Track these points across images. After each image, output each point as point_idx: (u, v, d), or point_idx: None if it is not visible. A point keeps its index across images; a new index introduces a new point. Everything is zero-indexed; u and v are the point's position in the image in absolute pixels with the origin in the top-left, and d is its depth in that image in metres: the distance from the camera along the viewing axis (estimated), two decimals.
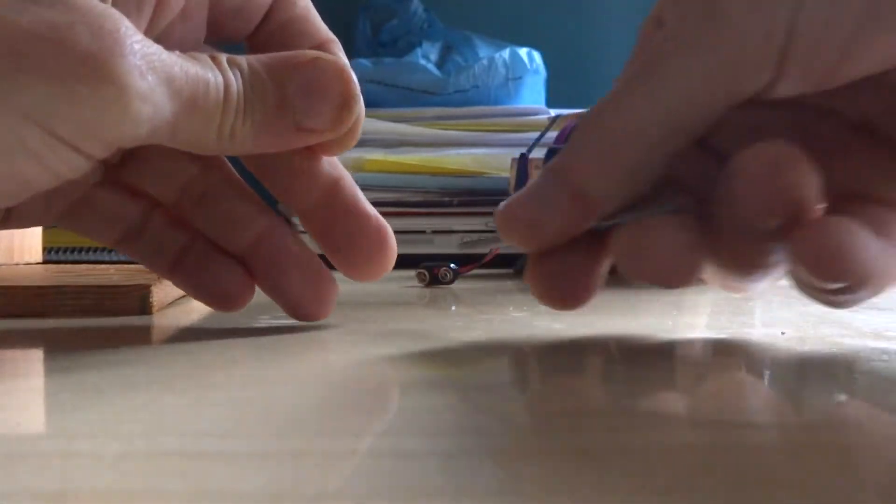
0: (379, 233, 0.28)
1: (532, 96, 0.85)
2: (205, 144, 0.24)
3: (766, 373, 0.23)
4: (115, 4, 0.22)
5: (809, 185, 0.20)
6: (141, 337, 0.29)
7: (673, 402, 0.19)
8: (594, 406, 0.18)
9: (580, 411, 0.18)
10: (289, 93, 0.24)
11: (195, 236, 0.29)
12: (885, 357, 0.24)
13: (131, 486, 0.13)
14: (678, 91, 0.21)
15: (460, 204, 0.68)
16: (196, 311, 0.35)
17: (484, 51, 0.87)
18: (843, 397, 0.20)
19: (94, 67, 0.20)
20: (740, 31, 0.20)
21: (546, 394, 0.20)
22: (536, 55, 0.86)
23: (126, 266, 0.44)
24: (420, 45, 0.87)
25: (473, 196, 0.69)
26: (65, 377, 0.21)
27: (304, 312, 0.28)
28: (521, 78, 0.83)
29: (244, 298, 0.29)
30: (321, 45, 0.27)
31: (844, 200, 0.22)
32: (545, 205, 0.22)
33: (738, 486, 0.13)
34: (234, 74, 0.23)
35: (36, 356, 0.25)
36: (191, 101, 0.22)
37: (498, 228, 0.23)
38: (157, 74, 0.21)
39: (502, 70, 0.82)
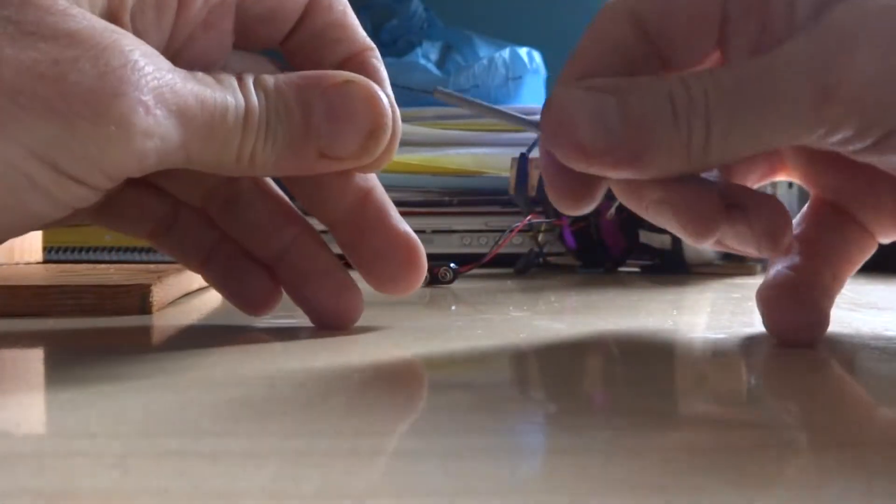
0: (408, 249, 0.27)
1: (532, 96, 0.85)
2: (223, 167, 0.23)
3: (766, 373, 0.23)
4: (134, 20, 0.22)
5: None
6: (141, 337, 0.29)
7: (673, 402, 0.19)
8: (594, 406, 0.18)
9: (580, 411, 0.18)
10: (314, 117, 0.23)
11: (224, 237, 0.29)
12: (885, 357, 0.24)
13: (131, 486, 0.13)
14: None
15: (460, 204, 0.68)
16: (196, 310, 0.35)
17: (484, 51, 0.87)
18: (842, 397, 0.20)
19: (95, 106, 0.20)
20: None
21: (546, 393, 0.20)
22: (536, 55, 0.86)
23: (126, 266, 0.44)
24: (420, 44, 0.87)
25: (473, 196, 0.69)
26: (65, 377, 0.21)
27: (328, 323, 0.28)
28: (521, 78, 0.83)
29: (270, 305, 0.29)
30: (357, 55, 0.26)
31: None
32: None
33: (738, 485, 0.13)
34: (258, 97, 0.23)
35: (36, 356, 0.25)
36: (206, 128, 0.22)
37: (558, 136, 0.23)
38: (167, 107, 0.21)
39: (502, 70, 0.82)
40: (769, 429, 0.16)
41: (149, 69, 0.20)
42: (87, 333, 0.29)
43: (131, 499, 0.12)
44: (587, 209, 0.25)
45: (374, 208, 0.27)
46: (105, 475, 0.13)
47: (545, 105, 0.23)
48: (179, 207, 0.29)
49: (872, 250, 0.27)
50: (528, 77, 0.84)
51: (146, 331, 0.30)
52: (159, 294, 0.34)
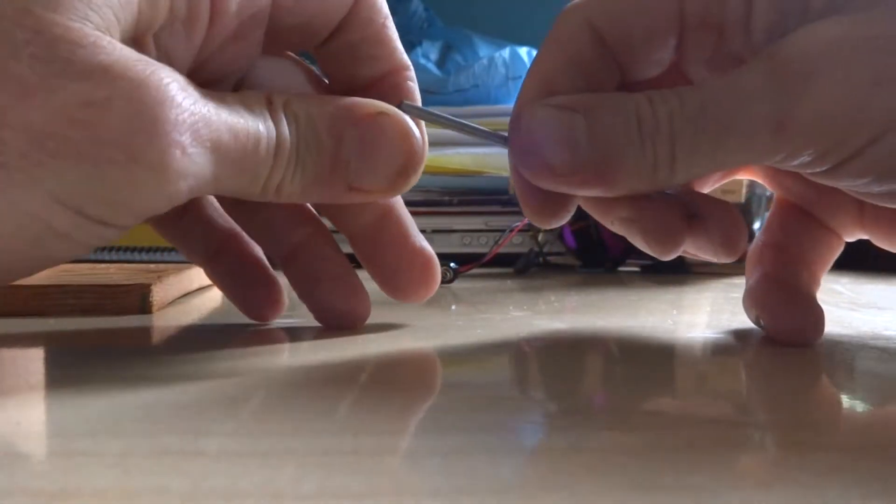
0: (424, 265, 0.28)
1: None
2: (248, 195, 0.22)
3: (766, 372, 0.23)
4: (162, 36, 0.21)
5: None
6: (141, 337, 0.29)
7: (673, 402, 0.19)
8: (594, 406, 0.18)
9: (579, 411, 0.18)
10: (344, 150, 0.23)
11: (232, 236, 0.29)
12: (885, 357, 0.24)
13: (132, 486, 0.13)
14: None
15: (460, 203, 0.68)
16: (196, 310, 0.35)
17: (484, 50, 0.87)
18: (842, 397, 0.20)
19: (129, 150, 0.18)
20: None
21: (546, 393, 0.20)
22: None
23: (126, 266, 0.44)
24: (420, 44, 0.87)
25: (473, 196, 0.69)
26: (65, 376, 0.21)
27: (336, 324, 0.28)
28: (521, 77, 0.83)
29: (271, 315, 0.29)
30: (392, 73, 0.26)
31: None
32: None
33: (738, 485, 0.13)
34: (289, 126, 0.22)
35: (36, 356, 0.25)
36: (238, 163, 0.21)
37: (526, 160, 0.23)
38: (203, 144, 0.20)
39: (502, 69, 0.82)
40: (769, 429, 0.16)
41: (186, 103, 0.19)
42: (87, 333, 0.29)
43: (131, 498, 0.12)
44: (560, 223, 0.26)
45: (394, 225, 0.27)
46: (105, 475, 0.13)
47: (512, 123, 0.24)
48: (193, 200, 0.29)
49: (840, 248, 0.29)
50: None
51: (146, 331, 0.30)
52: (159, 294, 0.34)
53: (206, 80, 0.23)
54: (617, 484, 0.13)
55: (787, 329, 0.26)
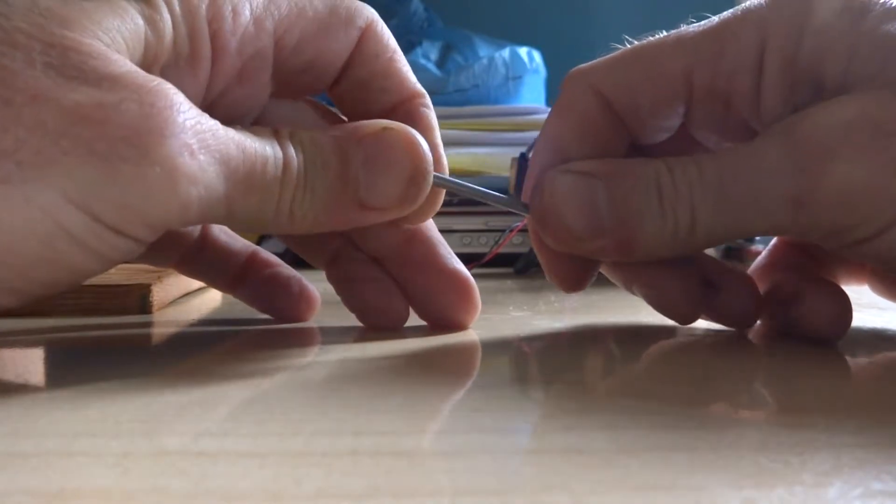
0: (459, 288, 0.28)
1: (532, 96, 0.85)
2: (262, 223, 0.22)
3: (766, 372, 0.23)
4: (167, 73, 0.21)
5: None
6: (141, 336, 0.29)
7: (673, 401, 0.19)
8: (594, 406, 0.18)
9: (580, 411, 0.18)
10: (352, 167, 0.23)
11: (253, 257, 0.30)
12: (884, 357, 0.24)
13: (132, 486, 0.13)
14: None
15: (460, 203, 0.68)
16: (196, 310, 0.35)
17: (484, 50, 0.87)
18: (842, 397, 0.20)
19: (139, 147, 0.18)
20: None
21: (546, 393, 0.20)
22: (536, 55, 0.86)
23: (126, 266, 0.44)
24: (420, 44, 0.87)
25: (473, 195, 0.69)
26: (65, 376, 0.21)
27: (374, 322, 0.28)
28: (520, 77, 0.83)
29: (307, 315, 0.30)
30: (405, 102, 0.26)
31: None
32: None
33: (738, 485, 0.13)
34: (295, 149, 0.22)
35: (36, 356, 0.25)
36: (247, 180, 0.21)
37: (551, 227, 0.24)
38: (211, 153, 0.20)
39: (502, 69, 0.82)
40: (769, 429, 0.16)
41: (193, 112, 0.20)
42: (87, 333, 0.29)
43: (131, 498, 0.12)
44: (583, 288, 0.27)
45: (421, 245, 0.27)
46: (105, 475, 0.13)
47: (534, 191, 0.25)
48: (208, 231, 0.29)
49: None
50: (528, 77, 0.84)
51: (146, 331, 0.30)
52: (159, 294, 0.34)
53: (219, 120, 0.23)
54: (617, 484, 0.13)
55: (824, 322, 0.26)
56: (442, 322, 0.28)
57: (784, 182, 0.22)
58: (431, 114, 0.26)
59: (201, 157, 0.19)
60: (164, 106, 0.19)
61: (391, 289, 0.28)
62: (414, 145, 0.23)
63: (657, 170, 0.23)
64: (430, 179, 0.24)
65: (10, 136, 0.18)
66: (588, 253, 0.24)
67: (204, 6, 0.22)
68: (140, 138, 0.19)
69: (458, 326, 0.28)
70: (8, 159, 0.18)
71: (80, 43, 0.19)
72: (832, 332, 0.25)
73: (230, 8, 0.22)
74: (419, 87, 0.26)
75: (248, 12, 0.22)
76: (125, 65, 0.19)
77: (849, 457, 0.14)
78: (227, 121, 0.21)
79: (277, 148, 0.22)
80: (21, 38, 0.18)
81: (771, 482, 0.13)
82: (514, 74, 0.83)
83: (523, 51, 0.84)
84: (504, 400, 0.19)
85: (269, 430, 0.16)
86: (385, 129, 0.23)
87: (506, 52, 0.83)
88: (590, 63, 0.25)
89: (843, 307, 0.25)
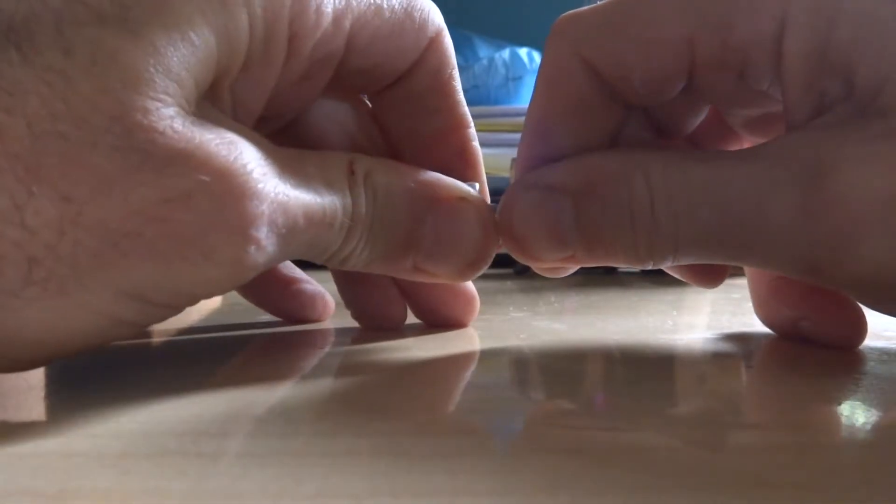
0: (467, 307, 0.28)
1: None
2: (311, 259, 0.21)
3: (766, 373, 0.23)
4: (237, 83, 0.20)
5: None
6: (141, 337, 0.29)
7: (673, 402, 0.19)
8: (594, 406, 0.18)
9: (580, 411, 0.18)
10: (418, 232, 0.22)
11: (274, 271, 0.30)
12: (885, 357, 0.24)
13: (131, 486, 0.13)
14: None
15: None
16: (196, 310, 0.35)
17: (484, 51, 0.87)
18: (842, 398, 0.20)
19: (204, 249, 0.17)
20: None
21: (546, 394, 0.20)
22: (536, 55, 0.86)
23: None
24: None
25: None
26: (64, 377, 0.21)
27: (374, 325, 0.29)
28: (521, 78, 0.83)
29: (324, 316, 0.30)
30: (455, 131, 0.24)
31: None
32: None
33: (737, 485, 0.13)
34: (366, 200, 0.21)
35: None
36: (308, 241, 0.20)
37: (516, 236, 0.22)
38: (277, 232, 0.18)
39: (502, 70, 0.82)
40: (769, 429, 0.16)
41: (266, 191, 0.18)
42: None
43: (131, 498, 0.12)
44: (566, 274, 0.25)
45: None
46: (105, 475, 0.13)
47: (500, 207, 0.23)
48: None
49: None
50: (528, 77, 0.84)
51: (146, 331, 0.30)
52: None
53: (264, 116, 0.22)
54: (617, 484, 0.13)
55: (838, 334, 0.25)
56: (440, 322, 0.28)
57: (800, 245, 0.19)
58: (478, 148, 0.25)
59: (267, 244, 0.18)
60: (235, 197, 0.17)
61: (389, 289, 0.28)
62: (486, 227, 0.22)
63: (633, 184, 0.20)
64: (490, 261, 0.23)
65: (69, 238, 0.16)
66: (553, 270, 0.23)
67: (289, 3, 0.20)
68: (205, 240, 0.17)
69: (457, 325, 0.28)
70: (63, 264, 0.16)
71: (145, 113, 0.16)
72: (848, 345, 0.25)
73: (314, 6, 0.20)
74: (469, 115, 0.25)
75: (330, 10, 0.20)
76: (195, 136, 0.17)
77: (849, 457, 0.14)
78: (276, 115, 0.21)
79: (349, 200, 0.20)
80: (85, 111, 0.16)
81: (771, 482, 0.13)
82: (514, 75, 0.83)
83: (523, 51, 0.84)
84: (504, 400, 0.19)
85: (269, 430, 0.16)
86: (463, 199, 0.22)
87: (506, 53, 0.83)
88: (577, 14, 0.22)
89: (857, 317, 0.25)
